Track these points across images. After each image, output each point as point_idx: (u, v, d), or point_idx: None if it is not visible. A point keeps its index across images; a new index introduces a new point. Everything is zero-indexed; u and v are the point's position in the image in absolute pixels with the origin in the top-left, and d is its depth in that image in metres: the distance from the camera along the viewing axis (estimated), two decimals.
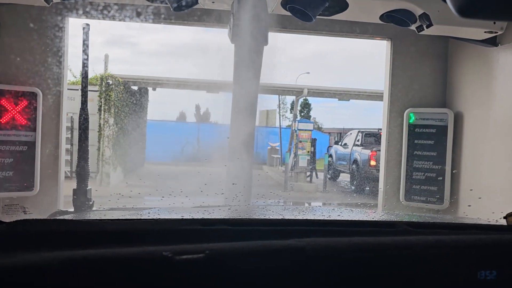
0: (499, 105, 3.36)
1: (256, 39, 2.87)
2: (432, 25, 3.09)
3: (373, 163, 12.34)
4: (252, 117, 3.08)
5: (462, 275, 0.95)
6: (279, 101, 20.97)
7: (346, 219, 1.59)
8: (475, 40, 3.40)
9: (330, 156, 16.23)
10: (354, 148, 14.43)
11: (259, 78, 3.00)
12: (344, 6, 3.05)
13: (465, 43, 3.58)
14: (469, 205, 3.26)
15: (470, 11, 0.75)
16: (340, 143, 16.52)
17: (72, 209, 2.89)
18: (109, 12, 3.40)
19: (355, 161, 13.92)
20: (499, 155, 3.29)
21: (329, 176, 15.19)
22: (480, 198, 2.98)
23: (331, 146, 17.72)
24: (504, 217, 1.28)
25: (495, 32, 3.19)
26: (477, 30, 3.20)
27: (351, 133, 16.01)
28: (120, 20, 3.52)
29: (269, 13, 2.86)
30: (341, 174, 16.18)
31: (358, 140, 14.64)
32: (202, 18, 3.59)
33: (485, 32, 3.19)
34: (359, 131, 15.13)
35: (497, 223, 1.31)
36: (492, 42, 3.35)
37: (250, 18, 2.79)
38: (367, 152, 13.02)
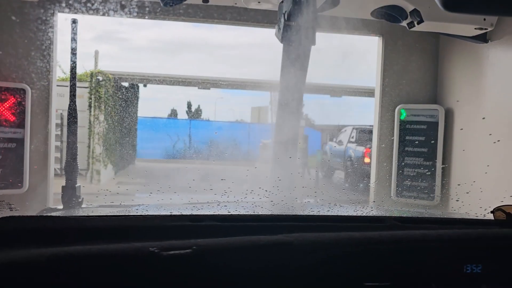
0: (489, 101, 3.39)
1: (306, 39, 2.89)
2: (423, 21, 3.09)
3: (367, 160, 12.22)
4: (297, 116, 3.14)
5: (448, 268, 0.95)
6: (271, 97, 20.94)
7: (336, 214, 1.59)
8: (466, 37, 3.41)
9: (325, 153, 16.09)
10: (349, 145, 14.33)
11: (305, 78, 3.04)
12: (335, 2, 3.04)
13: (456, 39, 3.59)
14: (457, 200, 3.29)
15: (455, 6, 0.75)
16: (334, 140, 16.39)
17: (61, 207, 2.87)
18: (99, 7, 3.37)
19: (350, 158, 13.84)
20: (489, 151, 3.31)
21: (324, 173, 15.03)
22: (467, 193, 3.00)
23: (326, 143, 17.55)
24: (491, 212, 1.29)
25: (485, 29, 3.21)
26: (467, 27, 3.21)
27: (345, 130, 15.91)
28: (111, 15, 3.48)
29: (318, 14, 2.88)
30: (337, 172, 15.99)
31: (352, 137, 14.53)
32: (188, 13, 3.57)
33: (475, 28, 3.21)
34: (353, 128, 15.02)
35: (485, 218, 1.31)
36: (482, 38, 3.37)
37: (301, 18, 2.80)
38: (361, 149, 12.96)
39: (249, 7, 3.19)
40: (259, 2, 3.04)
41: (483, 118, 3.37)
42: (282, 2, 2.93)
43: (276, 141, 3.12)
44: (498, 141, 3.11)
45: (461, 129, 3.71)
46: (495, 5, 0.76)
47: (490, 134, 3.23)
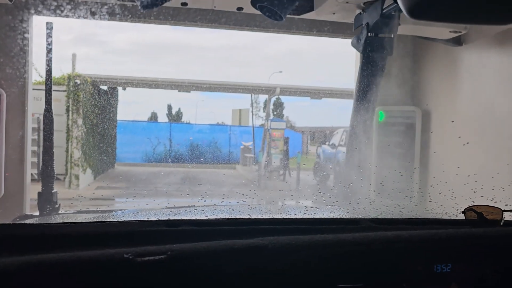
0: (464, 103, 3.46)
1: (386, 50, 2.96)
2: (399, 24, 3.14)
3: None
4: (371, 121, 3.26)
5: (419, 268, 0.97)
6: (252, 100, 21.04)
7: (312, 217, 1.60)
8: (441, 40, 3.48)
9: (319, 156, 15.80)
10: (339, 148, 13.99)
11: (380, 86, 3.16)
12: (313, 6, 3.08)
13: (432, 42, 3.66)
14: (430, 201, 3.35)
15: (419, 13, 0.77)
16: (327, 143, 16.10)
17: (37, 213, 2.81)
18: (76, 9, 3.33)
19: (338, 162, 13.53)
20: (464, 152, 3.38)
21: (318, 178, 14.51)
22: (439, 193, 3.06)
23: (320, 146, 17.16)
24: (463, 212, 1.32)
25: (460, 32, 3.27)
26: (442, 30, 3.28)
27: (337, 132, 15.68)
28: (88, 18, 3.44)
29: (397, 25, 2.93)
30: (331, 176, 15.43)
31: (342, 140, 14.19)
32: (167, 16, 3.55)
33: (450, 31, 3.27)
34: (344, 130, 14.74)
35: (457, 218, 1.34)
36: (457, 41, 3.44)
37: (385, 30, 2.87)
38: None
39: (320, 18, 3.24)
40: (333, 14, 3.07)
41: (452, 122, 3.46)
42: (361, 14, 2.98)
43: (349, 145, 3.25)
44: (468, 143, 3.20)
45: (431, 132, 3.79)
46: (461, 14, 0.78)
47: (460, 137, 3.31)
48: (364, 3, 2.90)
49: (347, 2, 2.87)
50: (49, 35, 2.81)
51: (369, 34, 2.91)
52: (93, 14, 3.38)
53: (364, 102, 3.16)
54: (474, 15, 0.79)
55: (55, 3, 3.31)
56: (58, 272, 0.85)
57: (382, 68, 3.10)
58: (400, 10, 2.84)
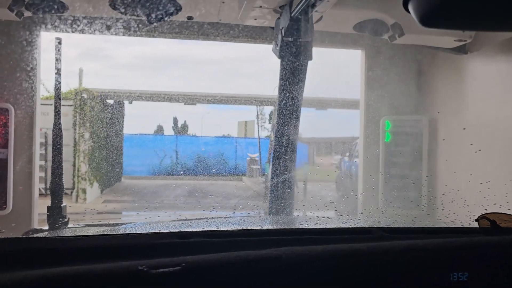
0: (470, 111, 3.45)
1: (303, 54, 2.94)
2: (404, 34, 3.16)
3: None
4: (296, 130, 3.18)
5: (435, 277, 0.97)
6: (257, 112, 21.05)
7: (324, 227, 1.59)
8: (446, 49, 3.49)
9: (341, 169, 15.56)
10: (355, 159, 13.81)
11: (303, 92, 3.11)
12: (318, 17, 3.09)
13: (437, 51, 3.67)
14: (442, 209, 3.32)
15: (431, 21, 0.78)
16: (347, 155, 15.85)
17: (46, 227, 2.82)
18: (84, 25, 3.37)
19: (350, 176, 13.33)
20: (472, 159, 3.36)
21: (340, 192, 14.21)
22: (452, 202, 3.04)
23: (342, 158, 16.89)
24: (476, 220, 1.31)
25: (464, 41, 3.28)
26: (447, 39, 3.29)
27: (356, 142, 15.39)
28: (95, 34, 3.48)
29: (314, 29, 2.90)
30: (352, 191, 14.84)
31: (356, 151, 13.90)
32: (174, 30, 3.59)
33: (454, 40, 3.28)
34: (357, 141, 14.19)
35: (470, 226, 1.33)
36: (462, 50, 3.45)
37: (298, 34, 2.83)
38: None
39: (244, 24, 3.22)
40: (255, 19, 3.06)
41: (464, 129, 3.44)
42: (279, 18, 2.95)
43: (275, 154, 3.16)
44: (480, 150, 3.17)
45: (443, 139, 3.77)
46: (471, 21, 0.79)
47: (472, 144, 3.29)
48: (280, 7, 2.84)
49: (260, 7, 2.83)
50: (58, 51, 2.84)
51: (284, 39, 2.86)
52: (100, 30, 3.42)
53: (286, 108, 3.09)
54: (485, 22, 0.80)
55: (63, 20, 3.35)
56: (73, 285, 0.85)
57: (302, 73, 3.02)
58: (307, 13, 2.80)
